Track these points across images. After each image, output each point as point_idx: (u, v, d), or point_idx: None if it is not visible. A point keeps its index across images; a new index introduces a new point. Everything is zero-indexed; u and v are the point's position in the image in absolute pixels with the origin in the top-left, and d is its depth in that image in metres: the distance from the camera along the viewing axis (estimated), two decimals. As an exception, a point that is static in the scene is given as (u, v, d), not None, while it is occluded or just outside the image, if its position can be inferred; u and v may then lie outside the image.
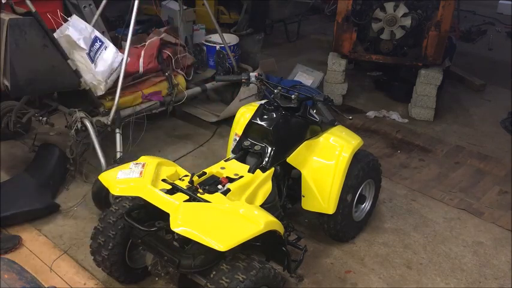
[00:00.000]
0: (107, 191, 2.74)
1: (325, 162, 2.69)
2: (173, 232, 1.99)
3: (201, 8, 5.31)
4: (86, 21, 3.60)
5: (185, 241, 2.16)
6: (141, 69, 3.73)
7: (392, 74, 5.35)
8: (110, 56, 3.33)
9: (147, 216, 2.27)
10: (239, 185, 2.33)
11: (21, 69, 3.02)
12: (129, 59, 3.51)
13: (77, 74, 3.19)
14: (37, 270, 2.69)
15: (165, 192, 2.15)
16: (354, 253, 2.99)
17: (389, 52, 4.73)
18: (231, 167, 2.45)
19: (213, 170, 2.43)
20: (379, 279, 2.80)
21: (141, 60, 3.74)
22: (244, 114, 2.81)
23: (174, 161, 2.62)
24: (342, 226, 2.88)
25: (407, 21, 4.56)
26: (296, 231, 2.75)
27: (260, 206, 2.33)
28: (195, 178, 2.30)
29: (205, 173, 2.39)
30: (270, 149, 2.50)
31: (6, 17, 3.25)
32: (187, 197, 2.15)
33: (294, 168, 2.70)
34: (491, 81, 5.77)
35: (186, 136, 4.26)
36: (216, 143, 4.17)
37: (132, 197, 2.34)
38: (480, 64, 6.41)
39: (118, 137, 3.42)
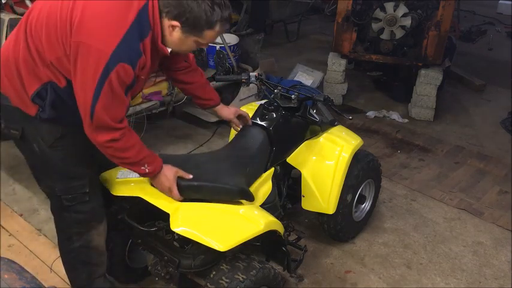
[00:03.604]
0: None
1: (325, 162, 2.68)
2: (173, 232, 1.99)
3: None
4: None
5: (185, 241, 2.16)
6: (141, 69, 3.72)
7: (392, 74, 5.35)
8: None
9: (147, 216, 2.27)
10: (239, 185, 2.32)
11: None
12: (129, 59, 3.50)
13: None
14: (37, 270, 2.69)
15: (165, 192, 2.14)
16: (354, 253, 2.99)
17: (389, 52, 4.73)
18: (231, 167, 2.45)
19: (213, 170, 2.43)
20: (379, 279, 2.80)
21: (141, 60, 3.73)
22: (244, 114, 2.80)
23: (174, 161, 2.62)
24: (342, 226, 2.88)
25: (407, 21, 4.56)
26: (296, 231, 2.75)
27: (260, 206, 2.32)
28: (195, 178, 2.30)
29: (205, 173, 2.39)
30: (269, 149, 2.50)
31: (6, 17, 3.26)
32: (187, 197, 2.14)
33: (294, 168, 2.70)
34: (491, 81, 5.77)
35: (186, 136, 4.26)
36: (216, 143, 4.17)
37: (132, 197, 2.33)
38: (480, 64, 6.42)
39: (118, 137, 3.41)
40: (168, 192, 2.00)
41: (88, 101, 1.73)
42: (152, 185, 2.09)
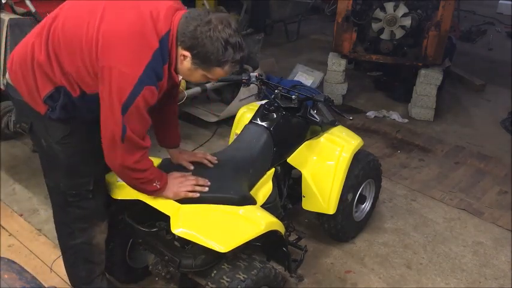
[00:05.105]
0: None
1: (325, 163, 2.68)
2: (174, 232, 1.99)
3: (201, 8, 5.32)
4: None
5: (186, 241, 2.16)
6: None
7: (392, 74, 5.36)
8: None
9: (148, 216, 2.27)
10: (239, 185, 2.32)
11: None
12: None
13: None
14: (37, 270, 2.70)
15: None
16: (354, 253, 2.99)
17: (389, 52, 4.73)
18: (232, 167, 2.45)
19: (213, 170, 2.42)
20: (379, 279, 2.80)
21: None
22: (244, 115, 2.80)
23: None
24: (342, 226, 2.88)
25: (407, 21, 4.57)
26: (296, 231, 2.75)
27: (261, 206, 2.32)
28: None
29: (205, 173, 2.39)
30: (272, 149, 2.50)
31: (6, 17, 3.25)
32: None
33: (294, 168, 2.70)
34: (491, 81, 5.78)
35: (186, 136, 4.25)
36: (216, 143, 4.17)
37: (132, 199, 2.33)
38: (480, 64, 6.42)
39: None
40: (183, 189, 2.02)
41: (119, 123, 1.76)
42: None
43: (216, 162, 2.29)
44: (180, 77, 1.96)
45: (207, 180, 2.07)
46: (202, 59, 1.81)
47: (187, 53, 1.82)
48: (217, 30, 1.77)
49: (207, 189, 2.05)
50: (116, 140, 1.80)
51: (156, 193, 2.01)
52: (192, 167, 2.23)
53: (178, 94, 2.34)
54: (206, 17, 1.78)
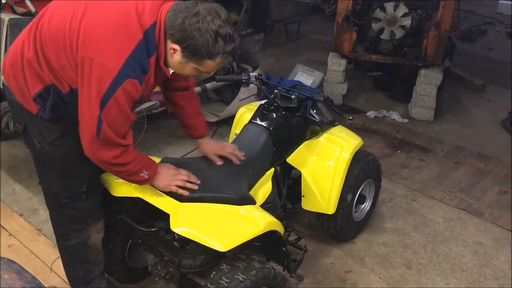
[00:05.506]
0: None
1: (325, 163, 2.68)
2: (173, 232, 1.99)
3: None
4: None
5: (185, 241, 2.16)
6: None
7: (393, 74, 5.35)
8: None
9: (147, 216, 2.27)
10: (239, 185, 2.32)
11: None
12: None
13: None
14: (37, 270, 2.70)
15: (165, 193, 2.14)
16: (354, 253, 2.99)
17: (389, 52, 4.73)
18: (231, 167, 2.45)
19: (213, 170, 2.42)
20: (379, 279, 2.80)
21: (141, 60, 3.72)
22: (244, 115, 2.80)
23: (174, 161, 2.61)
24: (342, 226, 2.88)
25: (407, 21, 4.57)
26: (296, 231, 2.75)
27: (260, 206, 2.32)
28: (195, 178, 2.30)
29: (205, 173, 2.39)
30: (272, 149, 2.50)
31: (6, 16, 3.26)
32: (187, 197, 2.14)
33: (294, 168, 2.70)
34: (491, 81, 5.77)
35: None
36: (216, 143, 4.16)
37: (132, 197, 2.33)
38: (480, 64, 6.42)
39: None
40: (174, 183, 2.01)
41: (94, 117, 1.74)
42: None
43: (243, 158, 2.29)
44: (171, 71, 1.93)
45: (197, 179, 2.06)
46: (192, 52, 1.78)
47: (176, 47, 1.79)
48: (205, 22, 1.73)
49: (196, 187, 2.04)
50: (91, 135, 1.78)
51: (145, 182, 2.00)
52: (219, 163, 2.24)
53: (193, 82, 2.32)
54: (194, 9, 1.74)
